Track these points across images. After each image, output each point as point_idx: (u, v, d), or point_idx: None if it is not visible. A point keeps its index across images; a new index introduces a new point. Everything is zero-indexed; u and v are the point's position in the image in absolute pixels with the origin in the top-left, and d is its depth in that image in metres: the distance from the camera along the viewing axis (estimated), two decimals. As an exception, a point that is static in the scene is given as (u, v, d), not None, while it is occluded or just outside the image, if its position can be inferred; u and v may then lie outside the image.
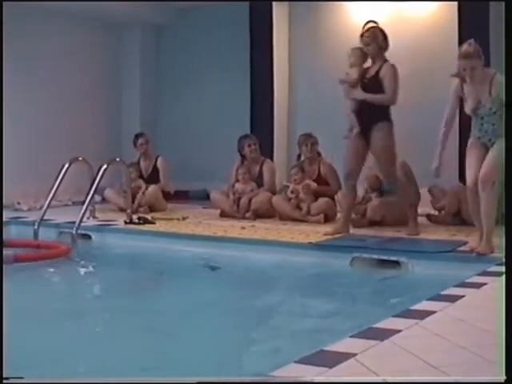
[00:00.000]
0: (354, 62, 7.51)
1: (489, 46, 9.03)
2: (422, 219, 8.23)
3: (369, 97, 7.33)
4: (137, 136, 10.47)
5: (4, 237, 6.99)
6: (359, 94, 7.38)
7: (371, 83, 7.36)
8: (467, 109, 6.49)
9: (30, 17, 10.52)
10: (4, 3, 7.32)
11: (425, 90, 9.81)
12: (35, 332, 4.58)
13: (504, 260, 4.76)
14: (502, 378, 3.14)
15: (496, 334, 3.88)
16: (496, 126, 6.33)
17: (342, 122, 10.17)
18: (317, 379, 3.17)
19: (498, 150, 6.18)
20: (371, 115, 7.33)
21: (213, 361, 4.01)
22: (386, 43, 7.45)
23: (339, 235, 7.40)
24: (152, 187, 9.89)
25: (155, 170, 10.26)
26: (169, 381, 3.35)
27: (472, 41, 6.51)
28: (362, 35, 7.39)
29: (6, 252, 6.57)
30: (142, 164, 10.32)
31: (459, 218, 8.10)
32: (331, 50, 10.65)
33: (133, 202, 9.18)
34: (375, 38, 7.36)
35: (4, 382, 3.23)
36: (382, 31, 7.42)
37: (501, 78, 6.21)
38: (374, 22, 7.46)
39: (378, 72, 7.36)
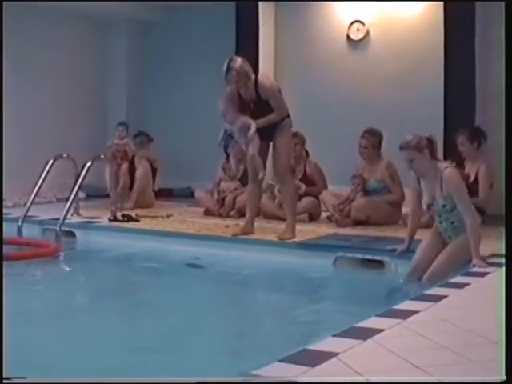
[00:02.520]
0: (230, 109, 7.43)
1: (474, 47, 9.09)
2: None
3: (263, 122, 7.28)
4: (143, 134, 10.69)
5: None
6: (256, 124, 7.25)
7: (260, 106, 7.31)
8: (424, 205, 6.10)
9: (15, 14, 10.45)
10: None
11: (411, 90, 9.83)
12: (30, 331, 4.57)
13: (504, 260, 4.77)
14: (484, 377, 3.16)
15: (479, 334, 3.89)
16: (455, 223, 5.91)
17: (329, 122, 10.26)
18: (300, 379, 3.17)
19: (454, 245, 5.90)
20: (270, 128, 7.34)
21: (195, 359, 4.01)
22: (250, 71, 7.28)
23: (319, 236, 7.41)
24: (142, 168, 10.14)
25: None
26: (169, 381, 3.34)
27: (413, 135, 6.04)
28: (228, 70, 7.21)
29: None
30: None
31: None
32: (318, 51, 10.66)
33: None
34: (238, 76, 7.19)
35: (4, 382, 3.21)
36: (240, 63, 7.21)
37: (449, 174, 5.81)
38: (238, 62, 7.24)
39: (258, 94, 7.29)
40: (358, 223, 8.15)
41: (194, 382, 3.17)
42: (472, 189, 7.98)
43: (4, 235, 7.71)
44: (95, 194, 10.57)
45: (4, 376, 3.24)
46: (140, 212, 9.18)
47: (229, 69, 7.20)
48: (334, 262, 6.64)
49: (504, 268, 5.59)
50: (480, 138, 8.23)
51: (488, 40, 9.11)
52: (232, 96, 7.39)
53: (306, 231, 7.62)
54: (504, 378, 3.08)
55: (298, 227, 7.54)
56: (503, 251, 4.81)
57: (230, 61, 7.23)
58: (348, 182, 8.51)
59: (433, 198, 5.94)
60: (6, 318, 3.86)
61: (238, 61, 7.24)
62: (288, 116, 7.48)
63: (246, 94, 7.33)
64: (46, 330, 4.71)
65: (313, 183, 8.95)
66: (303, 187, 8.75)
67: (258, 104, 7.33)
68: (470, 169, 8.15)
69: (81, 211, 9.06)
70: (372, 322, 4.15)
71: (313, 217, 8.69)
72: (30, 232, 8.01)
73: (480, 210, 7.99)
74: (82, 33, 11.88)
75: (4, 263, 6.21)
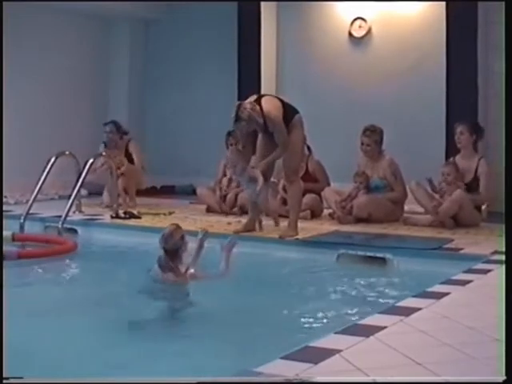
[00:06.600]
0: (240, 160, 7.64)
1: (476, 44, 9.09)
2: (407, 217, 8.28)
3: (269, 161, 7.42)
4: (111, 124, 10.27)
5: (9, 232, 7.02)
6: (263, 164, 7.41)
7: (269, 137, 7.37)
8: None
9: (16, 11, 10.44)
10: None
11: (413, 87, 9.83)
12: (36, 330, 4.57)
13: (504, 259, 4.78)
14: (487, 376, 3.16)
15: (481, 332, 3.89)
16: None
17: (331, 119, 10.26)
18: (302, 376, 3.17)
19: None
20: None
21: (198, 357, 4.01)
22: (258, 114, 7.19)
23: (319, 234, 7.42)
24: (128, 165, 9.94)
25: (127, 154, 10.10)
26: (169, 381, 3.34)
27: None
28: (237, 120, 7.16)
29: (10, 248, 6.56)
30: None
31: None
32: (319, 50, 10.66)
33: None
34: (248, 125, 7.19)
35: (4, 382, 3.21)
36: (249, 111, 7.12)
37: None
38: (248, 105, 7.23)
39: (267, 127, 7.28)
40: (360, 220, 8.16)
41: (195, 381, 3.17)
42: (471, 186, 7.99)
43: (22, 233, 7.74)
44: (97, 192, 10.57)
45: (4, 376, 3.24)
46: (142, 209, 9.19)
47: (238, 119, 7.13)
48: (336, 259, 6.64)
49: (494, 264, 5.67)
50: (478, 133, 8.22)
51: (490, 38, 9.11)
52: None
53: (308, 228, 7.63)
54: (504, 377, 3.09)
55: (300, 224, 7.55)
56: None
57: (239, 109, 7.12)
58: (350, 179, 8.51)
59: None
60: (6, 318, 3.87)
61: (247, 109, 7.12)
62: (297, 112, 7.47)
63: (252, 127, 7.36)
64: (49, 329, 4.71)
65: (315, 180, 8.94)
66: (301, 184, 8.74)
67: (266, 131, 7.37)
68: (466, 165, 8.10)
69: (83, 208, 9.07)
70: (374, 319, 4.16)
71: (315, 214, 8.69)
72: (33, 229, 8.00)
73: (477, 207, 8.03)
74: (83, 31, 11.89)
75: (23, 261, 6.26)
